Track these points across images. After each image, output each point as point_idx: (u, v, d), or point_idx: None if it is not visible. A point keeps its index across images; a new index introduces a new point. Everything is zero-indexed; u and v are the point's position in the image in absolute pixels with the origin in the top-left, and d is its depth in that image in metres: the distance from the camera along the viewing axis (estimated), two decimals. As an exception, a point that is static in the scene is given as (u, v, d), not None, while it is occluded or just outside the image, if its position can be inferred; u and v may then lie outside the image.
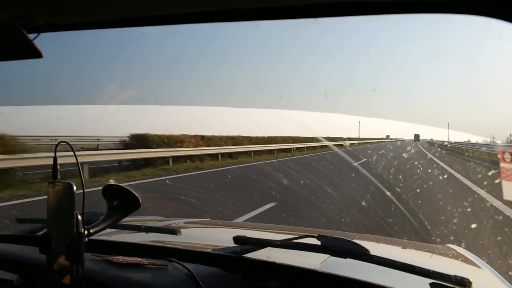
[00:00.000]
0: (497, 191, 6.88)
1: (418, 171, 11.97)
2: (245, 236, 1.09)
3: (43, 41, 0.70)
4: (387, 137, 78.01)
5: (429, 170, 12.56)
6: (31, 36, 0.68)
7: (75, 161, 0.78)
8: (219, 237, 1.57)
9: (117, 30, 0.79)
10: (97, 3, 0.62)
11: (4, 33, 0.66)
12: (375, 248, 1.24)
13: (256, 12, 0.68)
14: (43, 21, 0.65)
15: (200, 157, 15.10)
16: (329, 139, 28.95)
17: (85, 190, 0.76)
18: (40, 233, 1.16)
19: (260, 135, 21.42)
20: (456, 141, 30.36)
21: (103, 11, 0.66)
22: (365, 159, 16.20)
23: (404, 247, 1.69)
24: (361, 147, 31.71)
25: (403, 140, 67.23)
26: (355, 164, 13.67)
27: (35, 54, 0.71)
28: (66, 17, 0.68)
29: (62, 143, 0.87)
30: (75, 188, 0.74)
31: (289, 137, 24.08)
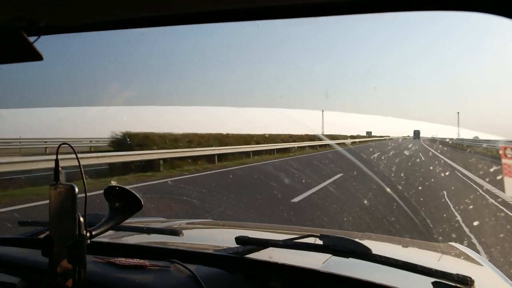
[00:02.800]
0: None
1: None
2: (247, 237, 1.09)
3: (43, 43, 0.69)
4: (369, 134, 63.87)
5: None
6: (31, 38, 0.68)
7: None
8: (221, 237, 1.57)
9: (118, 31, 0.79)
10: (98, 5, 0.62)
11: (4, 36, 0.66)
12: (377, 247, 1.23)
13: (256, 12, 0.68)
14: (43, 23, 0.65)
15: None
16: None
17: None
18: (42, 236, 1.16)
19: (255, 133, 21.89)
20: (458, 138, 30.21)
21: (103, 12, 0.66)
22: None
23: (406, 246, 1.69)
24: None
25: (382, 139, 50.11)
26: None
27: (36, 56, 0.71)
28: (67, 19, 0.68)
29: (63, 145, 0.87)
30: (77, 190, 0.73)
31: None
